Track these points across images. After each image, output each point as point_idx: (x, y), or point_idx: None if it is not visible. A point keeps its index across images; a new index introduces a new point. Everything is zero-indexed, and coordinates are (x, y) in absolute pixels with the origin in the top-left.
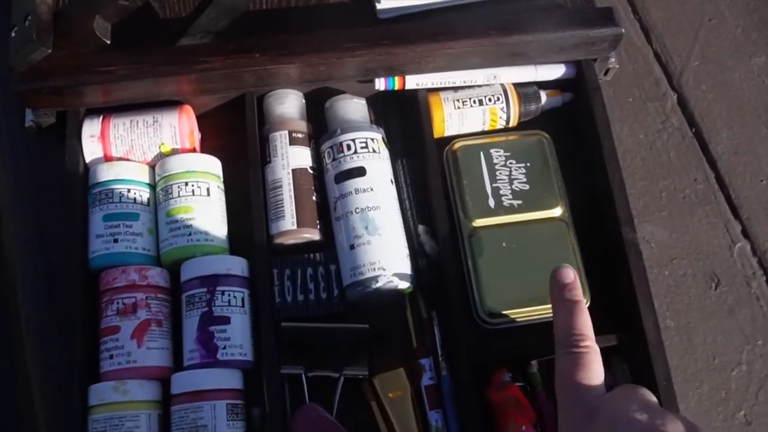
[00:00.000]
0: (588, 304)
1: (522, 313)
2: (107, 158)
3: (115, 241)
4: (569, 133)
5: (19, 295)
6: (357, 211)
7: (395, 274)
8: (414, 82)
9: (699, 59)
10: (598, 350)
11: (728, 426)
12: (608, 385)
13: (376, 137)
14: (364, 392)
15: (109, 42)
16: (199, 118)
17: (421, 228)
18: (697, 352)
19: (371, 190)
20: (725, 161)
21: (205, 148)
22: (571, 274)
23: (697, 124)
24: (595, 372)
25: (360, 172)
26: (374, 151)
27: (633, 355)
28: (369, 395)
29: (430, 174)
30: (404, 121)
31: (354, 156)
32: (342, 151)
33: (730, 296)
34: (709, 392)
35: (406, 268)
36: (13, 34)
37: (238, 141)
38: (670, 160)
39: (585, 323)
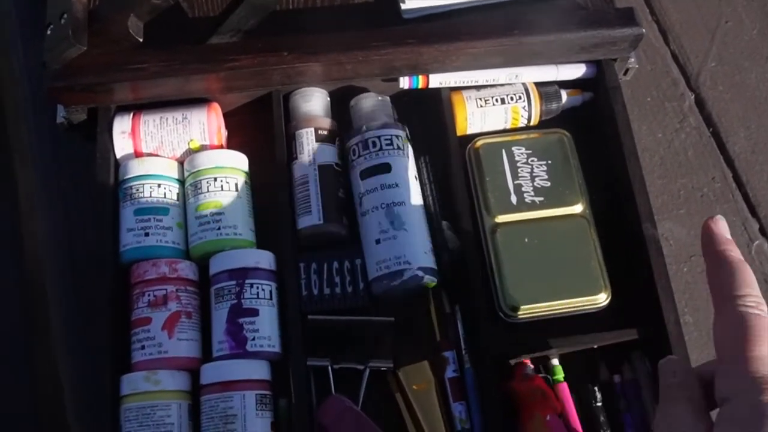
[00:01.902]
0: (608, 299)
1: (543, 308)
2: (137, 154)
3: (146, 234)
4: (589, 131)
5: (48, 291)
6: (383, 206)
7: (420, 268)
8: (437, 80)
9: (716, 60)
10: None
11: None
12: (628, 380)
13: (400, 134)
14: (389, 384)
15: (141, 40)
16: (225, 116)
17: (444, 224)
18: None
19: (396, 186)
20: (742, 160)
21: (232, 145)
22: (726, 229)
23: (715, 123)
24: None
25: (385, 168)
26: (399, 148)
27: (653, 349)
28: (394, 387)
29: (453, 171)
30: (427, 119)
31: (379, 153)
32: (367, 148)
33: None
34: None
35: (431, 262)
36: (48, 32)
37: (263, 139)
38: (688, 159)
39: (756, 286)
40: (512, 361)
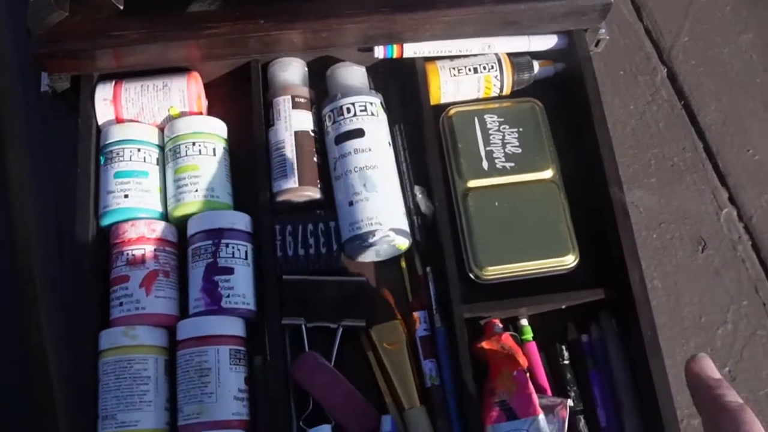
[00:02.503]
0: (576, 261)
1: (513, 269)
2: (119, 120)
3: (126, 196)
4: (561, 101)
5: (33, 254)
6: (356, 169)
7: (392, 229)
8: (412, 50)
9: (689, 35)
10: None
11: None
12: (596, 339)
13: (374, 102)
14: (362, 343)
15: (122, 8)
16: (206, 86)
17: (417, 188)
18: (683, 312)
19: (369, 150)
20: (713, 132)
21: (212, 114)
22: (713, 367)
23: (686, 96)
24: None
25: (359, 133)
26: (373, 114)
27: (620, 309)
28: (366, 345)
29: (427, 138)
30: (402, 89)
31: (353, 118)
32: (342, 114)
33: (717, 259)
34: (695, 349)
35: (403, 224)
36: None
37: (242, 109)
38: (660, 130)
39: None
40: (482, 321)
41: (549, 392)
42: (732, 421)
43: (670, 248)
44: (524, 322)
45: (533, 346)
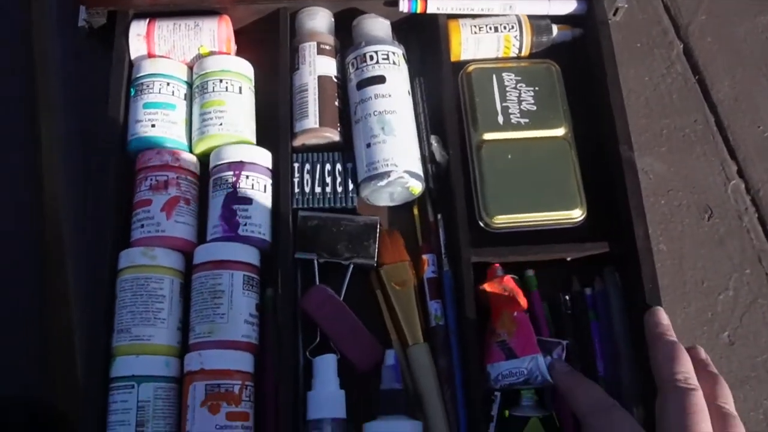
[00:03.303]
0: (584, 216)
1: (521, 219)
2: (150, 56)
3: (153, 126)
4: (577, 65)
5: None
6: (375, 113)
7: (406, 171)
8: (435, 6)
9: (706, 14)
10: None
11: (712, 344)
12: (599, 292)
13: (397, 52)
14: (371, 281)
15: None
16: (236, 33)
17: (433, 138)
18: (686, 275)
19: (389, 96)
20: (725, 107)
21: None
22: (666, 317)
23: (701, 71)
24: (705, 413)
25: (380, 79)
26: (394, 63)
27: (624, 263)
28: (375, 284)
29: (445, 91)
30: (424, 45)
31: (375, 65)
32: (365, 61)
33: (722, 227)
34: (696, 312)
35: (417, 168)
36: None
37: (269, 56)
38: (673, 101)
39: (689, 363)
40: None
41: (546, 333)
42: (666, 350)
43: (677, 214)
44: (530, 272)
45: (536, 295)
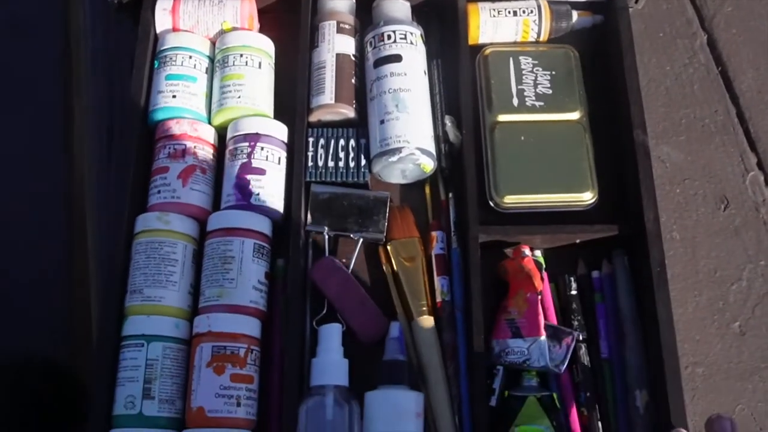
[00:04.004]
0: (595, 199)
1: (531, 200)
2: (175, 30)
3: (174, 97)
4: (596, 53)
5: (85, 148)
6: (390, 91)
7: (418, 148)
8: None
9: (732, 6)
10: None
11: (722, 333)
12: (606, 275)
13: (414, 32)
14: (380, 255)
15: None
16: (260, 13)
17: (447, 118)
18: (699, 265)
19: (405, 74)
20: (748, 98)
21: None
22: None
23: (724, 63)
24: None
25: (396, 58)
26: (412, 43)
27: (633, 246)
28: (383, 258)
29: (462, 73)
30: (443, 28)
31: (393, 44)
32: (383, 40)
33: (738, 218)
34: (707, 301)
35: (430, 146)
36: None
37: (290, 37)
38: (694, 92)
39: None
40: (507, 250)
41: (553, 319)
42: None
43: (692, 203)
44: (538, 252)
45: (544, 276)
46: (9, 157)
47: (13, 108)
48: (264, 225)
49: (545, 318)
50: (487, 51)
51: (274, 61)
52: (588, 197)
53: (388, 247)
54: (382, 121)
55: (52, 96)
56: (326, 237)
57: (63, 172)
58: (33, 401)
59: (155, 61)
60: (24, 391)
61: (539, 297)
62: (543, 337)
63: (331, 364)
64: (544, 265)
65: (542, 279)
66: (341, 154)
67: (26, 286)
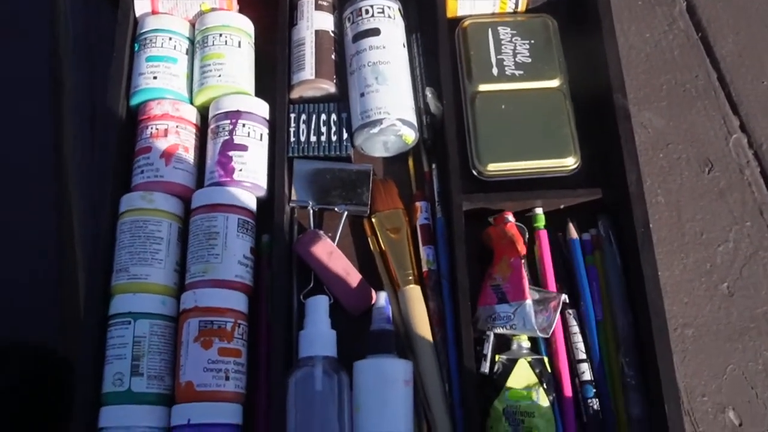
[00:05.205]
0: (577, 164)
1: (514, 167)
2: (154, 13)
3: (155, 78)
4: (574, 22)
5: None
6: (369, 64)
7: (399, 119)
8: None
9: None
10: None
11: (710, 295)
12: (593, 236)
13: (392, 6)
14: (364, 228)
15: None
16: None
17: (428, 90)
18: (685, 227)
19: (383, 47)
20: (728, 62)
21: None
22: None
23: (704, 28)
24: None
25: (375, 32)
26: (390, 17)
27: (617, 210)
28: (368, 230)
29: (441, 45)
30: (421, 2)
31: (371, 18)
32: (361, 15)
33: (723, 180)
34: (694, 264)
35: (411, 117)
36: None
37: (269, 16)
38: (674, 58)
39: None
40: (490, 218)
41: (551, 279)
42: None
43: (676, 167)
44: (539, 210)
45: (544, 235)
46: None
47: None
48: (247, 200)
49: (543, 276)
50: (466, 23)
51: (253, 40)
52: (571, 162)
53: (373, 220)
54: (362, 94)
55: (38, 82)
56: (310, 211)
57: (48, 153)
58: (21, 382)
59: (135, 44)
60: (11, 372)
61: (523, 261)
62: (528, 301)
63: (318, 336)
64: (543, 223)
65: (539, 238)
66: (323, 129)
67: (12, 268)
